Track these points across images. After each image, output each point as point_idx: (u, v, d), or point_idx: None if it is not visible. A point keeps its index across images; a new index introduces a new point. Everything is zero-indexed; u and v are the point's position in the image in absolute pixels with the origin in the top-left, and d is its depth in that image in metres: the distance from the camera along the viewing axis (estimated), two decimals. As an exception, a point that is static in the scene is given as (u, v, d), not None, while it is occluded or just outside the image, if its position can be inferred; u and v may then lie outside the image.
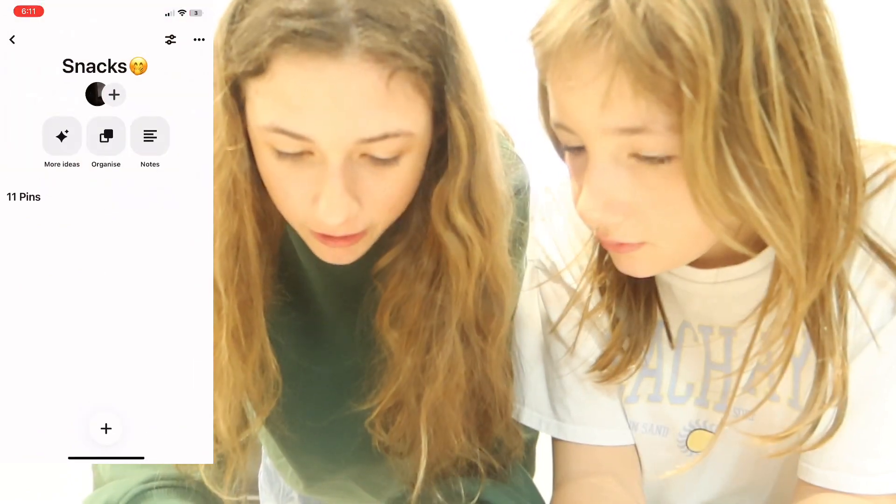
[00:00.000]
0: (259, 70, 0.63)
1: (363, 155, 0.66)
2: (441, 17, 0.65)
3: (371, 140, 0.64)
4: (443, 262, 0.73)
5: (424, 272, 0.74)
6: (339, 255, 0.72)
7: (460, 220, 0.70)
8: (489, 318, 0.75)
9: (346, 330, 0.82)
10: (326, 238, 0.69)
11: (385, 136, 0.64)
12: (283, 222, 0.75)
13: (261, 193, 0.71)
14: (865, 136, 0.67)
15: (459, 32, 0.67)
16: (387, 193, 0.68)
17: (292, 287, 0.82)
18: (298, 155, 0.65)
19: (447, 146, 0.69)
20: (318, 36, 0.60)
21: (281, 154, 0.66)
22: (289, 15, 0.61)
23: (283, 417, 0.82)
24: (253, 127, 0.67)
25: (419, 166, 0.69)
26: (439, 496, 0.78)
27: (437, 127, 0.69)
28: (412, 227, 0.74)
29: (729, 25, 0.55)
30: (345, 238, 0.69)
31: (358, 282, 0.78)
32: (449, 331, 0.74)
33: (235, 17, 0.65)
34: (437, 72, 0.65)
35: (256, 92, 0.64)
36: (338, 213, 0.65)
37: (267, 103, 0.64)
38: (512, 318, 0.81)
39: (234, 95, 0.67)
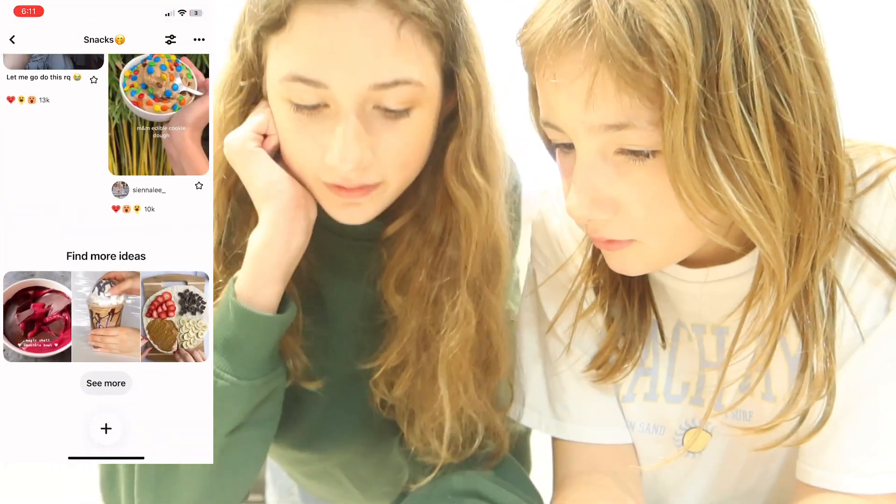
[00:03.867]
0: (280, 23, 0.67)
1: (376, 107, 0.68)
2: None
3: (383, 86, 0.67)
4: (452, 222, 0.76)
5: (431, 238, 0.77)
6: (353, 214, 0.73)
7: (474, 174, 0.73)
8: (496, 267, 0.78)
9: (350, 294, 0.83)
10: (340, 189, 0.71)
11: (396, 83, 0.67)
12: None
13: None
14: (859, 136, 0.68)
15: None
16: (399, 146, 0.70)
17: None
18: (314, 108, 0.68)
19: (455, 115, 0.73)
20: None
21: (298, 107, 0.69)
22: None
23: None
24: (272, 84, 0.70)
25: (430, 124, 0.72)
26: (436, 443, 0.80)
27: (446, 97, 0.73)
28: (421, 196, 0.77)
29: (708, 22, 0.56)
30: (358, 189, 0.71)
31: (362, 254, 0.80)
32: (461, 284, 0.76)
33: None
34: (446, 31, 0.69)
35: (276, 47, 0.68)
36: (351, 156, 0.68)
37: (286, 54, 0.68)
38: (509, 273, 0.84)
39: (257, 55, 0.71)
